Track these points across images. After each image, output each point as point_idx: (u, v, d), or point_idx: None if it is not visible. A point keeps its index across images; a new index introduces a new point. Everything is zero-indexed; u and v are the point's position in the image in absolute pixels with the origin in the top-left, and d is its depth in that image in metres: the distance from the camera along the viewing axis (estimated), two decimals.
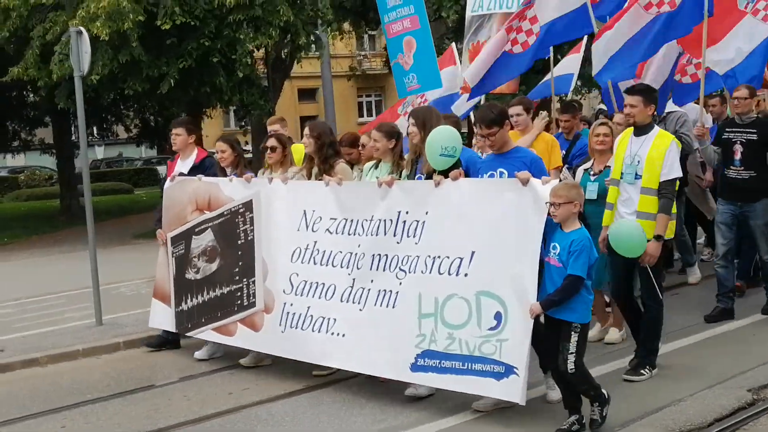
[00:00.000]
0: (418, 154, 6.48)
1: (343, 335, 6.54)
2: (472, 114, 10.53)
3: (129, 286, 11.62)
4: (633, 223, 6.34)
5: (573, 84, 11.48)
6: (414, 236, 6.28)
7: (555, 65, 10.37)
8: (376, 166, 6.93)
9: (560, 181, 6.95)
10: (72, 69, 9.64)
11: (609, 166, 7.09)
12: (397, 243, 6.36)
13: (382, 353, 6.28)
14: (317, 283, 6.81)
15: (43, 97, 19.25)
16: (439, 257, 6.06)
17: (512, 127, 7.21)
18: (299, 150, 7.86)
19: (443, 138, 6.07)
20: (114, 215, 23.87)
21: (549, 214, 5.51)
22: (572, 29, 8.88)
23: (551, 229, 5.60)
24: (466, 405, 6.05)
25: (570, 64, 11.37)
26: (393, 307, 6.28)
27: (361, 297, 6.49)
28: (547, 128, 8.33)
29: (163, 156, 37.03)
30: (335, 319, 6.60)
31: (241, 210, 7.43)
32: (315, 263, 6.87)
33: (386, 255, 6.41)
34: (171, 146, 8.39)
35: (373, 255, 6.48)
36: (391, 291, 6.32)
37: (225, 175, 7.82)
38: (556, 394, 5.96)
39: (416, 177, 6.52)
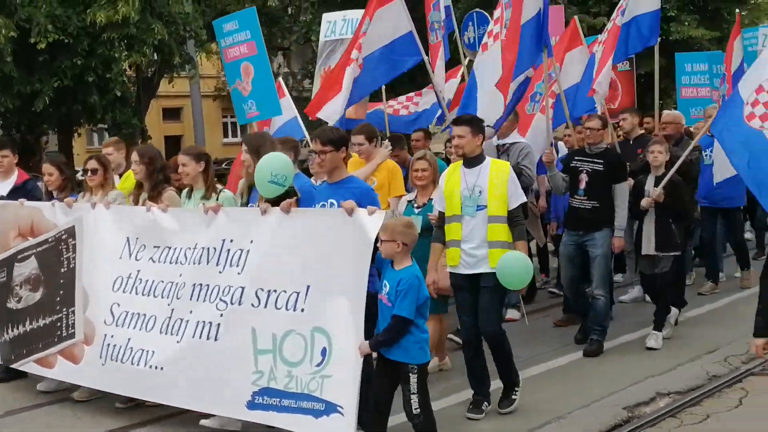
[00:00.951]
0: (253, 182, 6.24)
1: (161, 368, 6.25)
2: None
3: None
4: (521, 255, 6.18)
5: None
6: (237, 266, 6.03)
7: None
8: (189, 194, 6.69)
9: (393, 213, 6.89)
10: None
11: (432, 199, 7.00)
12: (219, 272, 6.10)
13: (211, 389, 5.98)
14: (138, 313, 6.51)
15: None
16: (275, 291, 5.80)
17: (347, 157, 6.92)
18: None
19: (273, 165, 5.86)
20: None
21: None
22: (401, 60, 8.79)
23: (384, 265, 5.49)
24: None
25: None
26: (216, 339, 6.00)
27: (179, 328, 6.22)
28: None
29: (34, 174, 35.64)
30: (153, 352, 6.31)
31: (64, 236, 7.09)
32: (137, 293, 6.58)
33: (207, 285, 6.14)
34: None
35: (194, 285, 6.21)
36: (211, 323, 6.04)
37: (52, 199, 7.48)
38: None
39: (249, 206, 6.33)
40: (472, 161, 6.37)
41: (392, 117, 10.81)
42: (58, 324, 6.99)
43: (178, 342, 6.19)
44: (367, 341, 5.35)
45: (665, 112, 9.47)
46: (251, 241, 5.99)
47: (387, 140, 8.38)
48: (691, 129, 10.83)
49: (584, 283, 8.35)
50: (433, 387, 6.13)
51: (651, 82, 10.86)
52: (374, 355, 5.56)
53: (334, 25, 10.50)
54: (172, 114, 34.89)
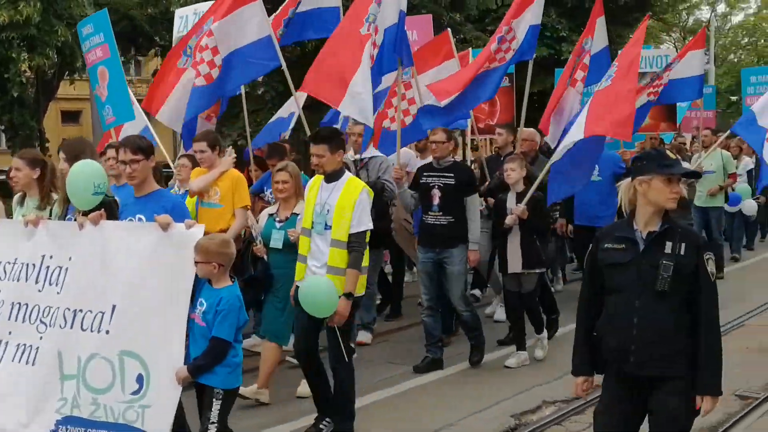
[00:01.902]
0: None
1: None
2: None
3: None
4: (323, 280, 5.86)
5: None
6: (56, 284, 5.47)
7: None
8: (21, 202, 6.19)
9: (252, 224, 6.91)
10: None
11: (296, 214, 6.76)
12: (39, 291, 5.52)
13: (19, 416, 5.36)
14: None
15: None
16: (81, 310, 5.29)
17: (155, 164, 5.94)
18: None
19: (94, 174, 5.41)
20: None
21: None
22: (258, 64, 8.48)
23: (200, 281, 5.09)
24: None
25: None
26: (33, 364, 5.43)
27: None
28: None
29: None
30: None
31: None
32: None
33: (27, 304, 5.55)
34: None
35: (13, 303, 5.60)
36: (31, 346, 5.45)
37: None
38: None
39: (67, 218, 5.84)
40: (331, 176, 6.08)
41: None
42: None
43: None
44: (185, 366, 4.96)
45: (521, 129, 9.38)
46: (70, 258, 5.47)
47: (230, 147, 8.08)
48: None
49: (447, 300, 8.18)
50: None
51: (544, 100, 11.16)
52: None
53: (186, 20, 10.03)
54: (71, 117, 33.96)
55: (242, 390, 6.18)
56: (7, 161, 10.44)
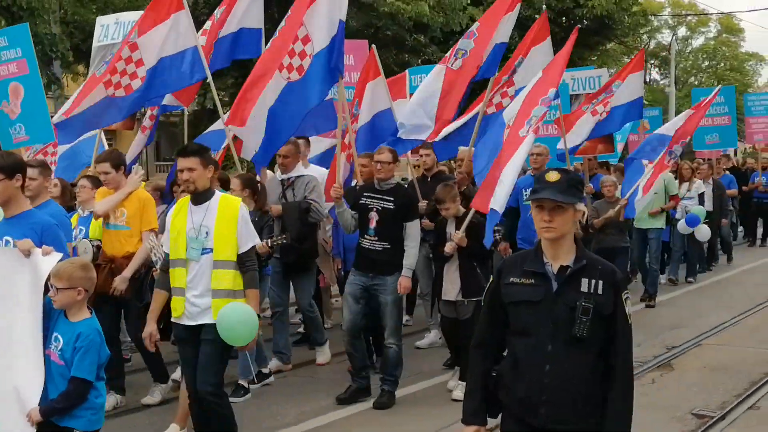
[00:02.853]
0: None
1: None
2: None
3: None
4: (241, 306, 5.43)
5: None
6: None
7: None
8: None
9: (150, 248, 6.47)
10: None
11: None
12: None
13: None
14: None
15: None
16: None
17: (24, 184, 5.33)
18: None
19: None
20: None
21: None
22: (183, 75, 8.23)
23: (54, 314, 4.62)
24: None
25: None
26: None
27: None
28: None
29: None
30: None
31: None
32: None
33: None
34: None
35: None
36: None
37: None
38: None
39: None
40: (199, 197, 5.57)
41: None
42: None
43: None
44: (38, 407, 4.48)
45: (461, 148, 8.89)
46: None
47: (138, 166, 7.72)
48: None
49: (367, 330, 7.79)
50: None
51: None
52: None
53: (107, 29, 9.75)
54: None
55: None
56: None
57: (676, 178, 13.31)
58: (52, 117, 8.59)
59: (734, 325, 10.49)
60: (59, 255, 4.73)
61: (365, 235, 7.34)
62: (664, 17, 52.23)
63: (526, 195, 9.15)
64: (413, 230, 7.32)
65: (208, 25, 9.17)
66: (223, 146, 9.57)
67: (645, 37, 50.97)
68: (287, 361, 8.38)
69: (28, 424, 4.50)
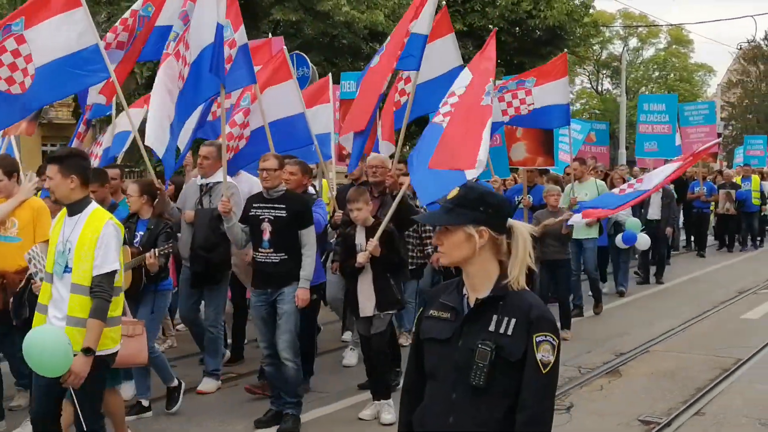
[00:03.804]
0: None
1: None
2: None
3: None
4: (51, 330, 4.80)
5: None
6: None
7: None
8: None
9: (29, 258, 5.95)
10: None
11: None
12: None
13: None
14: None
15: None
16: None
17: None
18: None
19: None
20: None
21: None
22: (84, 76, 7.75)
23: None
24: None
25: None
26: None
27: None
28: None
29: None
30: None
31: None
32: None
33: None
34: None
35: None
36: None
37: None
38: None
39: None
40: (73, 208, 5.03)
41: None
42: None
43: None
44: None
45: (372, 155, 8.39)
46: None
47: (32, 173, 7.15)
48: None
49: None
50: None
51: None
52: None
53: None
54: None
55: None
56: None
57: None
58: None
59: (682, 331, 10.63)
60: None
61: (259, 249, 6.84)
62: (616, 28, 53.05)
63: None
64: (309, 238, 6.87)
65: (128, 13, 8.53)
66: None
67: (597, 47, 51.73)
68: (218, 381, 7.92)
69: None
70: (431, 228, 9.05)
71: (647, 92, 50.91)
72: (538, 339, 2.86)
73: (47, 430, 5.02)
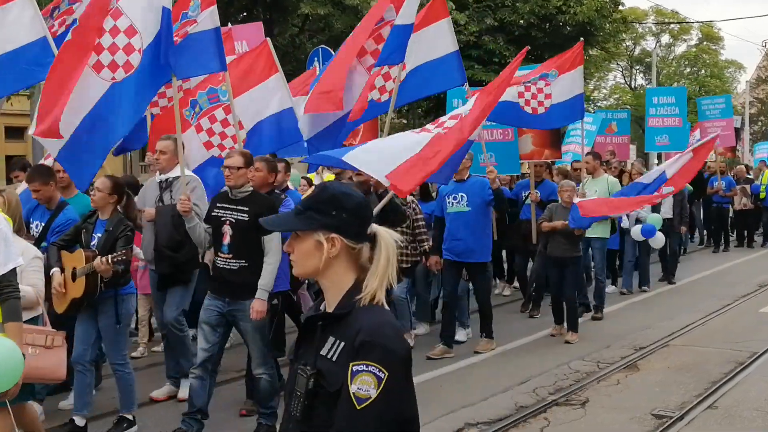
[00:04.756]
0: None
1: None
2: None
3: None
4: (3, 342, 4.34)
5: None
6: None
7: None
8: None
9: None
10: None
11: None
12: None
13: None
14: None
15: None
16: None
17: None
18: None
19: None
20: None
21: None
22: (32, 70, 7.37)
23: None
24: None
25: None
26: None
27: None
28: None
29: None
30: None
31: None
32: None
33: None
34: None
35: None
36: None
37: None
38: None
39: None
40: None
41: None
42: None
43: None
44: None
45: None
46: None
47: None
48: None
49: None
50: None
51: None
52: None
53: None
54: (14, 133, 33.47)
55: None
56: None
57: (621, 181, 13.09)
58: None
59: (702, 325, 10.66)
60: None
61: (219, 253, 6.34)
62: (648, 24, 52.61)
63: (449, 203, 8.92)
64: (272, 244, 6.26)
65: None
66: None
67: (630, 43, 51.38)
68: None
69: None
70: (424, 225, 9.20)
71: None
72: (356, 369, 2.32)
73: None
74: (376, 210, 6.89)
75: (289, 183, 8.57)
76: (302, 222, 2.50)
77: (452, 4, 23.21)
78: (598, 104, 48.73)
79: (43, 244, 6.71)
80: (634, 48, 53.37)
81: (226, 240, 6.28)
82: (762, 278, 14.48)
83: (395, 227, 7.83)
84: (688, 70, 53.31)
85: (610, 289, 12.83)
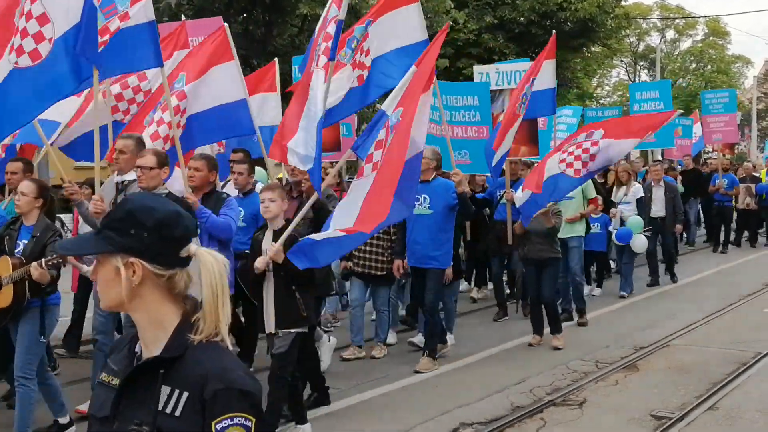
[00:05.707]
0: None
1: None
2: None
3: None
4: None
5: None
6: None
7: None
8: None
9: None
10: None
11: None
12: None
13: None
14: None
15: None
16: None
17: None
18: None
19: None
20: None
21: None
22: None
23: None
24: None
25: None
26: None
27: None
28: None
29: None
30: None
31: None
32: None
33: None
34: None
35: None
36: None
37: None
38: None
39: None
40: None
41: None
42: None
43: None
44: None
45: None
46: None
47: None
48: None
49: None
50: None
51: None
52: None
53: None
54: None
55: None
56: None
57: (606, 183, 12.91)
58: None
59: (704, 325, 10.50)
60: None
61: None
62: (653, 20, 52.42)
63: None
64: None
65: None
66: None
67: (634, 39, 51.18)
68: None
69: None
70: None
71: (684, 84, 50.28)
72: (221, 426, 1.96)
73: None
74: (299, 216, 6.42)
75: (258, 184, 8.23)
76: (96, 244, 2.09)
77: (451, 2, 23.06)
78: (601, 101, 48.52)
79: None
80: (639, 44, 53.14)
81: None
82: (767, 278, 14.27)
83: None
84: (694, 65, 53.06)
85: (595, 291, 12.78)
